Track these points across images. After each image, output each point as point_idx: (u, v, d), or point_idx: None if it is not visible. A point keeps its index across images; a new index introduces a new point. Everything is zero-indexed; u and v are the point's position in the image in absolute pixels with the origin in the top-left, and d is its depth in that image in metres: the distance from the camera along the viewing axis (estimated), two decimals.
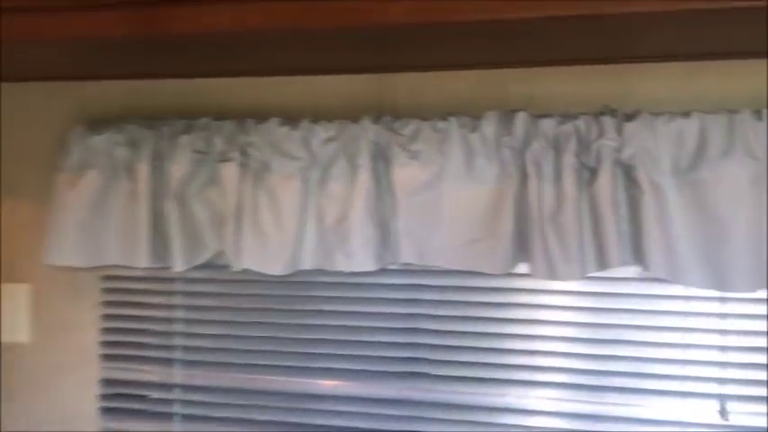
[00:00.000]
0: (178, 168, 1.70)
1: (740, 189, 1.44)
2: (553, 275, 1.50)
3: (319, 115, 1.61)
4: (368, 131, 1.57)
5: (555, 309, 1.70)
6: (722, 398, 1.62)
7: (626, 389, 1.66)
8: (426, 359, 1.78)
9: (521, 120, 1.52)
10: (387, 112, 1.59)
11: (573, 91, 1.58)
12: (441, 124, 1.54)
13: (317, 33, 1.41)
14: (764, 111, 1.43)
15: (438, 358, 1.77)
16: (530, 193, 1.50)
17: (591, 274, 1.51)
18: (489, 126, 1.53)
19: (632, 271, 1.57)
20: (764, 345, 1.59)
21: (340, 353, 1.82)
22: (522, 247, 1.54)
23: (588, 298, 1.69)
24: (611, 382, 1.67)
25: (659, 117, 1.47)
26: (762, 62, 1.51)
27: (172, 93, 1.85)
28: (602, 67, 1.57)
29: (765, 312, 1.59)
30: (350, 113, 1.60)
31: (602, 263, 1.50)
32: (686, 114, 1.47)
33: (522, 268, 1.56)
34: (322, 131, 1.60)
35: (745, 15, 1.24)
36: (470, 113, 1.52)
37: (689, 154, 1.47)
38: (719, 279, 1.48)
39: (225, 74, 1.79)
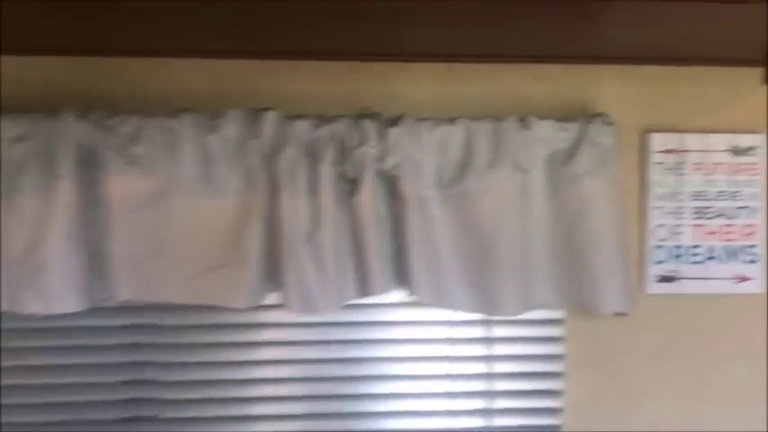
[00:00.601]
0: None
1: (506, 203, 1.36)
2: (309, 307, 1.33)
3: (1, 107, 1.33)
4: (71, 129, 1.30)
5: (308, 345, 1.49)
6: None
7: None
8: (153, 418, 1.47)
9: (270, 120, 1.32)
10: (98, 106, 1.32)
11: (330, 90, 1.44)
12: (170, 123, 1.32)
13: None
14: (531, 118, 1.37)
15: (168, 416, 1.47)
16: (281, 208, 1.31)
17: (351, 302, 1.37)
18: (232, 127, 1.32)
19: (394, 296, 1.43)
20: (531, 369, 1.51)
21: (35, 420, 1.44)
22: (271, 274, 1.34)
23: (341, 330, 1.50)
24: (371, 425, 1.50)
25: (424, 123, 1.36)
26: (529, 66, 1.45)
27: None
28: (364, 64, 1.43)
29: (529, 335, 1.51)
30: (46, 105, 1.32)
31: (365, 289, 1.36)
32: (452, 121, 1.37)
33: (273, 299, 1.37)
34: (6, 128, 1.30)
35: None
36: (208, 111, 1.33)
37: (454, 164, 1.38)
38: (486, 302, 1.39)
39: None
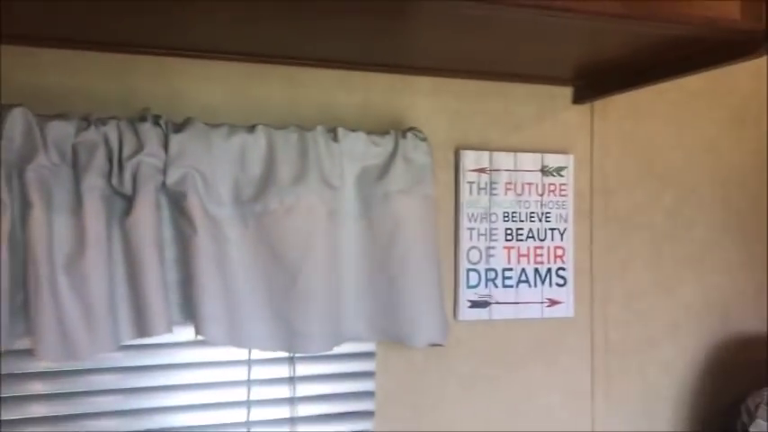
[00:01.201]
0: None
1: (313, 224, 1.22)
2: (69, 352, 1.11)
3: None
4: None
5: (77, 397, 1.24)
6: None
7: None
8: None
9: (18, 119, 1.10)
10: None
11: (99, 86, 1.24)
12: None
13: None
14: (341, 129, 1.24)
15: None
16: (32, 228, 1.09)
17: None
18: None
19: (182, 334, 1.25)
20: (340, 410, 1.36)
21: None
22: (22, 312, 1.11)
23: (116, 377, 1.27)
24: None
25: (216, 129, 1.20)
26: (338, 72, 1.33)
27: None
28: (142, 57, 1.24)
29: (337, 371, 1.36)
30: None
31: (142, 328, 1.16)
32: (251, 128, 1.22)
33: (24, 344, 1.14)
34: None
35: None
36: None
37: (253, 178, 1.23)
38: (289, 338, 1.24)
39: None
